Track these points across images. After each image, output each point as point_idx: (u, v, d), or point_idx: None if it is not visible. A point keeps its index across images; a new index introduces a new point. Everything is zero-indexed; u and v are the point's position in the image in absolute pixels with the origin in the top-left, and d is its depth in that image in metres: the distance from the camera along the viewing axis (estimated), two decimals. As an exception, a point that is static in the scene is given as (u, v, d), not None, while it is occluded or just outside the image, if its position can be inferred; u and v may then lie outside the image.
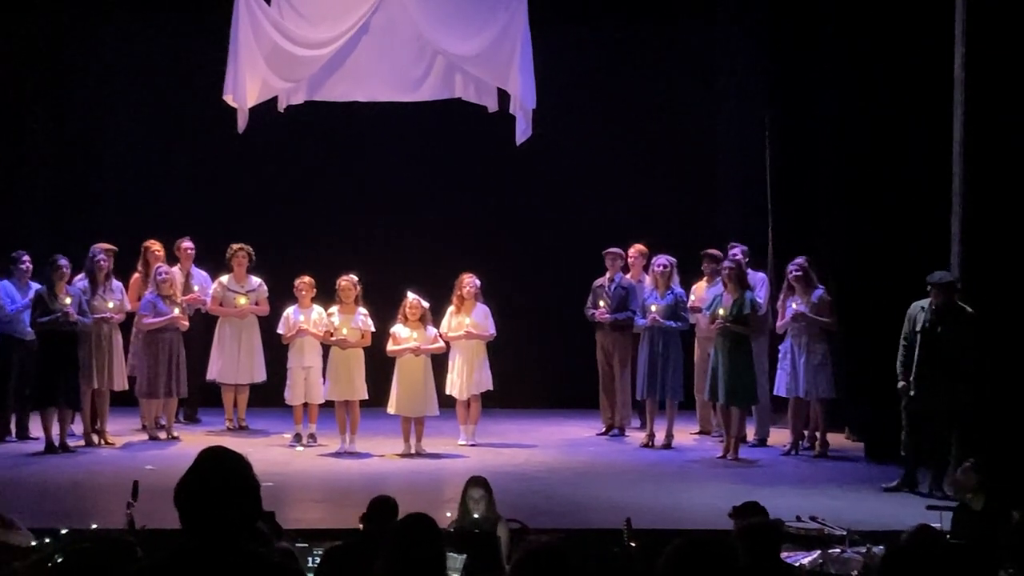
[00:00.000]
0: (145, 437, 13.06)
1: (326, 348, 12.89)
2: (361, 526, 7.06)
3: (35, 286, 12.57)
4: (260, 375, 13.84)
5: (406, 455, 12.51)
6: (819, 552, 7.18)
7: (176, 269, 13.59)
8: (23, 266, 12.81)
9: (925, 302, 11.06)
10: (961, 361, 10.87)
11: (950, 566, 4.22)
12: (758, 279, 13.41)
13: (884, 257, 12.46)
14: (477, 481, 8.16)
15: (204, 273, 14.01)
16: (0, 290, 12.59)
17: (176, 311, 13.04)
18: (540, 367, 15.49)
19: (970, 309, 10.91)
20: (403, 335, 12.57)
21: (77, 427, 12.86)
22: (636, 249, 13.97)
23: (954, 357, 10.89)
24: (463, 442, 13.04)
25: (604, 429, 13.92)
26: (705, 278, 13.68)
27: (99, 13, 15.56)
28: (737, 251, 13.30)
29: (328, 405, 12.94)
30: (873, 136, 12.68)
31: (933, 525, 7.46)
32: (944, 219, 11.13)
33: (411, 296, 12.64)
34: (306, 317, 12.96)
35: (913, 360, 11.01)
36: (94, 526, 8.31)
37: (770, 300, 13.28)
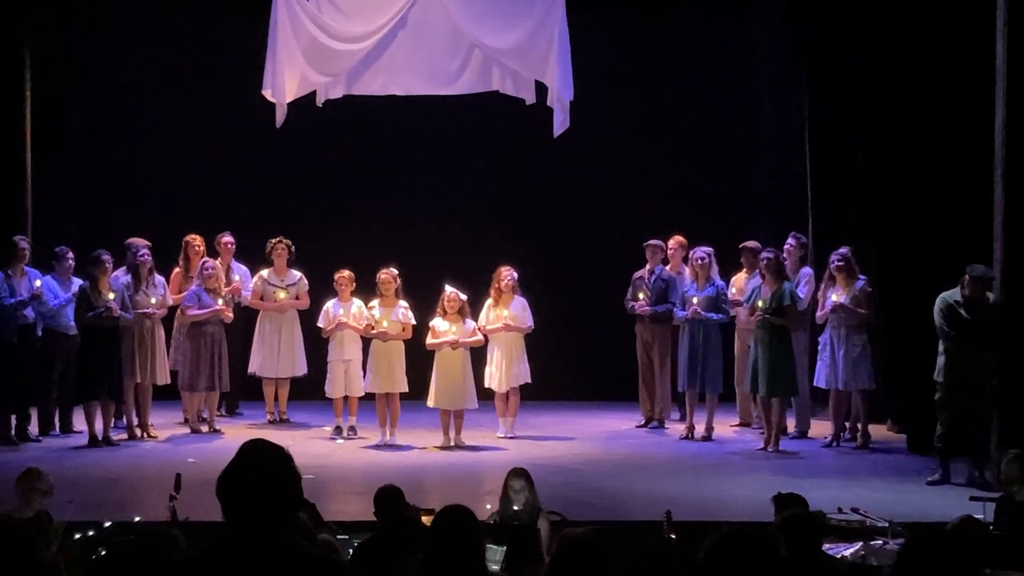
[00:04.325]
0: (187, 430, 13.15)
1: (366, 341, 12.94)
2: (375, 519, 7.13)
3: (77, 281, 12.67)
4: (301, 368, 13.90)
5: (445, 447, 12.54)
6: (861, 544, 7.13)
7: (217, 263, 13.65)
8: (67, 262, 12.92)
9: (955, 294, 10.99)
10: (988, 352, 10.89)
11: (972, 556, 4.15)
12: (805, 274, 13.34)
13: (925, 248, 12.37)
14: (518, 472, 8.18)
15: (244, 267, 14.07)
16: (43, 285, 12.62)
17: (220, 303, 13.11)
18: (579, 360, 15.47)
19: (992, 299, 10.89)
20: (441, 328, 12.59)
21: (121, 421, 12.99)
22: (675, 241, 13.93)
23: (983, 348, 10.91)
24: (502, 435, 13.06)
25: (643, 421, 13.91)
26: (744, 270, 13.62)
27: (139, 8, 15.65)
28: (791, 241, 13.26)
29: (368, 398, 12.99)
30: (913, 127, 12.58)
31: (977, 516, 7.42)
32: (986, 210, 11.03)
33: (449, 289, 12.66)
34: (346, 311, 13.00)
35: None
36: (137, 518, 8.38)
37: (812, 294, 13.19)
